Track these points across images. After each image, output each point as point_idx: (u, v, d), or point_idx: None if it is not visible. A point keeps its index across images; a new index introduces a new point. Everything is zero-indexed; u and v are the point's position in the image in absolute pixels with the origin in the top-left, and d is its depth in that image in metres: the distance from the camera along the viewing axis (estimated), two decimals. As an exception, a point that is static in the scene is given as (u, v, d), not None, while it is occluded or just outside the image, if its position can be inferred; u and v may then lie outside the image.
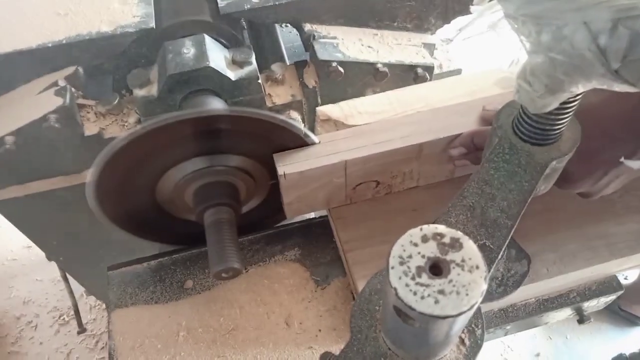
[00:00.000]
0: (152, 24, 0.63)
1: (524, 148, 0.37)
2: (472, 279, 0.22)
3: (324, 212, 0.66)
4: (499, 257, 0.33)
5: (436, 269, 0.23)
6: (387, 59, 0.68)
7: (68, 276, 1.03)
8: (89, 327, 1.66)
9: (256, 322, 0.59)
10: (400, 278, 0.23)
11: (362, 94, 0.70)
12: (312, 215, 0.73)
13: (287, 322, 0.59)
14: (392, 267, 0.23)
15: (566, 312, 0.63)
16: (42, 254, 1.83)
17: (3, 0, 0.66)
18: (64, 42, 0.61)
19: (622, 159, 0.34)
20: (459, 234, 0.24)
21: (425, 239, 0.24)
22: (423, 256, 0.23)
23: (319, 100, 0.69)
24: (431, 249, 0.23)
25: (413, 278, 0.23)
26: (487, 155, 0.37)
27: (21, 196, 0.70)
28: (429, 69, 0.70)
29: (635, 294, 1.63)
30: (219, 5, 0.64)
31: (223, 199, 0.56)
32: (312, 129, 0.63)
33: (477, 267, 0.23)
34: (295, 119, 0.69)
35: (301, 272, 0.63)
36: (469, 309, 0.22)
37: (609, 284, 0.61)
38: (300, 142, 0.55)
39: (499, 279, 0.54)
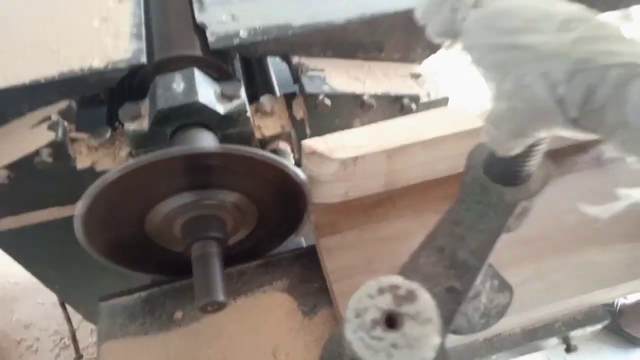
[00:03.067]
0: (144, 59, 0.64)
1: (495, 189, 0.37)
2: (424, 333, 0.23)
3: (312, 242, 0.66)
4: (467, 297, 0.34)
5: (391, 321, 0.23)
6: (374, 90, 0.69)
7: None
8: (89, 350, 1.66)
9: (244, 352, 0.59)
10: (355, 331, 0.23)
11: (349, 125, 0.71)
12: (303, 243, 0.74)
13: (274, 353, 0.59)
14: (349, 321, 0.23)
15: (552, 342, 0.63)
16: (43, 277, 1.84)
17: (2, 36, 0.68)
18: (57, 77, 0.62)
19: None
20: (414, 285, 0.24)
21: (381, 291, 0.24)
22: (379, 309, 0.24)
23: (308, 131, 0.70)
24: (386, 302, 0.24)
25: (368, 331, 0.23)
26: (460, 196, 0.38)
27: (16, 227, 0.71)
28: (415, 99, 0.71)
29: (635, 314, 1.63)
30: (209, 41, 0.66)
31: (210, 233, 0.57)
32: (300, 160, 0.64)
33: (431, 321, 0.23)
34: (284, 150, 0.70)
35: (289, 302, 0.63)
36: (422, 361, 0.23)
37: (594, 314, 0.61)
38: (286, 178, 0.56)
39: (482, 310, 0.54)
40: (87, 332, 1.68)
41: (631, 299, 1.65)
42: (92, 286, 0.88)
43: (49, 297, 1.79)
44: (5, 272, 1.85)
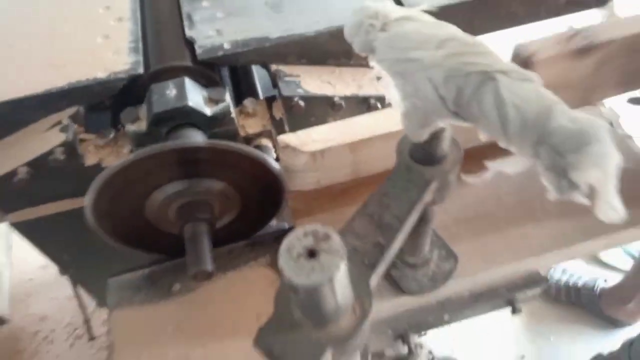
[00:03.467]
0: (141, 70, 0.74)
1: (417, 168, 0.47)
2: (333, 261, 0.33)
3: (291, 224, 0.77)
4: (391, 250, 0.44)
5: (311, 254, 0.34)
6: (343, 92, 0.79)
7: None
8: (102, 339, 1.77)
9: (232, 317, 0.69)
10: (286, 262, 0.33)
11: (324, 122, 0.81)
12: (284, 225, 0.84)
13: (258, 317, 0.69)
14: (281, 255, 0.34)
15: (499, 304, 0.73)
16: (56, 273, 1.96)
17: (10, 52, 0.77)
18: (66, 87, 0.72)
19: (489, 165, 0.44)
20: (329, 230, 0.34)
21: (306, 234, 0.34)
22: (303, 246, 0.34)
23: (287, 130, 0.81)
24: (309, 241, 0.34)
25: (295, 261, 0.33)
26: (390, 174, 0.48)
27: (34, 218, 0.82)
28: (380, 99, 0.81)
29: (615, 297, 1.70)
30: (197, 53, 0.76)
31: (200, 215, 0.67)
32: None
33: (338, 252, 0.33)
34: (266, 146, 0.80)
35: (271, 275, 0.73)
36: (328, 280, 0.33)
37: (532, 278, 0.71)
38: (264, 168, 0.66)
39: (430, 275, 0.65)
40: (98, 323, 1.78)
41: (611, 282, 1.73)
42: (103, 270, 0.99)
43: (62, 292, 1.90)
44: (20, 270, 1.96)
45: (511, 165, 0.37)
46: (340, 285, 0.35)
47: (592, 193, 0.34)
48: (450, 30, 0.38)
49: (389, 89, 0.43)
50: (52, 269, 2.03)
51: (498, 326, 1.70)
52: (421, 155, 0.47)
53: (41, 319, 1.86)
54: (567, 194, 0.35)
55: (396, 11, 0.41)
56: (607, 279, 1.74)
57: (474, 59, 0.36)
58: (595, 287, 1.72)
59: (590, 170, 0.33)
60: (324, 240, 0.34)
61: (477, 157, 0.44)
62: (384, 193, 0.46)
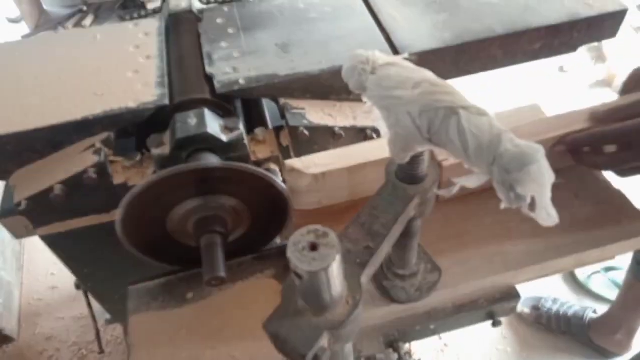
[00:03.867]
0: (167, 101, 0.85)
1: (401, 186, 0.56)
2: (330, 252, 0.42)
3: (294, 241, 0.85)
4: (379, 252, 0.53)
5: (312, 247, 0.43)
6: (343, 123, 0.89)
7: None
8: (105, 359, 1.82)
9: (240, 322, 0.77)
10: (292, 253, 0.42)
11: (325, 149, 0.91)
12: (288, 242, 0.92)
13: (263, 323, 0.77)
14: (289, 248, 0.43)
15: (480, 316, 0.81)
16: (65, 294, 2.04)
17: (55, 84, 0.89)
18: (101, 115, 0.83)
19: (456, 180, 0.53)
20: (327, 229, 0.44)
21: (309, 232, 0.43)
22: (306, 241, 0.43)
23: (292, 155, 0.90)
24: (311, 237, 0.43)
25: (300, 252, 0.42)
26: (378, 191, 0.58)
27: (63, 231, 0.91)
28: (375, 130, 0.91)
29: (604, 327, 1.75)
30: (216, 87, 0.86)
31: (215, 228, 0.76)
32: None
33: (334, 246, 0.42)
34: (274, 170, 0.90)
35: (276, 286, 0.81)
36: (327, 267, 0.42)
37: (509, 293, 0.79)
38: (273, 189, 0.75)
39: (417, 286, 0.73)
40: (103, 343, 1.85)
41: (600, 312, 1.79)
42: (119, 284, 1.07)
43: (69, 313, 1.97)
44: (30, 290, 2.04)
45: (472, 181, 0.46)
46: (335, 274, 0.44)
47: (533, 203, 0.43)
48: (424, 74, 0.48)
49: (378, 120, 0.53)
50: (61, 290, 2.11)
51: (489, 353, 1.75)
52: (405, 175, 0.56)
53: (47, 338, 1.92)
54: (515, 204, 0.44)
55: (383, 58, 0.51)
56: (596, 310, 1.80)
57: (442, 97, 0.46)
58: (585, 316, 1.77)
59: (531, 184, 0.42)
60: (323, 237, 0.43)
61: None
62: (374, 206, 0.56)
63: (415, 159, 0.54)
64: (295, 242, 0.43)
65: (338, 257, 0.42)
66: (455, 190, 0.48)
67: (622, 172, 0.76)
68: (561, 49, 0.96)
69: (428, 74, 0.49)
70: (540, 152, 0.42)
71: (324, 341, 0.49)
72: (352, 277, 0.51)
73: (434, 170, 0.58)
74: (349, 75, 0.52)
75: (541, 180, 0.42)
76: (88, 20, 1.95)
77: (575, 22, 0.92)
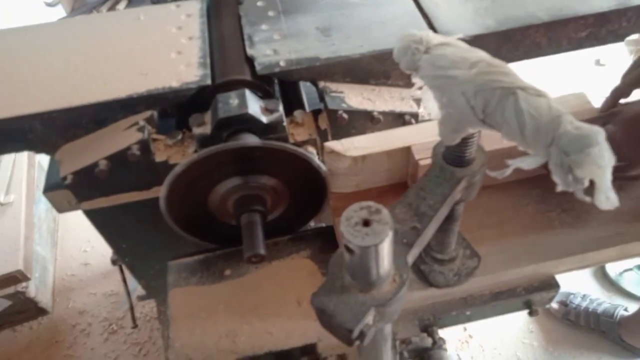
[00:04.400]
0: (209, 82, 0.86)
1: (448, 168, 0.56)
2: (383, 229, 0.42)
3: (331, 223, 0.86)
4: (425, 233, 0.53)
5: (365, 223, 0.43)
6: (382, 108, 0.89)
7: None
8: (134, 336, 1.87)
9: (276, 300, 0.78)
10: (345, 227, 0.43)
11: (362, 134, 0.91)
12: (322, 224, 0.93)
13: (298, 302, 0.78)
14: (342, 222, 0.43)
15: (517, 305, 0.80)
16: (97, 271, 2.09)
17: (102, 63, 0.91)
18: (145, 93, 0.84)
19: (509, 162, 0.53)
20: (380, 206, 0.44)
21: (361, 208, 0.44)
22: (359, 217, 0.43)
23: (330, 139, 0.91)
24: (364, 213, 0.43)
25: (352, 227, 0.43)
26: (426, 172, 0.58)
27: (104, 206, 0.93)
28: (415, 115, 0.91)
29: (634, 325, 1.72)
30: (257, 69, 0.87)
31: (254, 206, 0.77)
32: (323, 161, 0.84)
33: (387, 223, 0.43)
34: (311, 152, 0.90)
35: (311, 266, 0.82)
36: (380, 242, 0.42)
37: (548, 282, 0.78)
38: (312, 169, 0.76)
39: (455, 271, 0.73)
40: (137, 314, 1.88)
41: (631, 309, 1.76)
42: (156, 261, 1.10)
43: (100, 289, 2.03)
44: (63, 265, 2.10)
45: (527, 163, 0.46)
46: (386, 251, 0.44)
47: (592, 186, 0.42)
48: (480, 54, 0.48)
49: (429, 100, 0.53)
50: (93, 267, 2.17)
51: (514, 346, 1.74)
52: (453, 157, 0.56)
53: (80, 312, 1.98)
54: (572, 187, 0.43)
55: (437, 38, 0.51)
56: (627, 307, 1.77)
57: (499, 77, 0.46)
58: (615, 314, 1.74)
59: (590, 167, 0.41)
60: (375, 213, 0.43)
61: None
62: (421, 187, 0.56)
63: (465, 141, 0.53)
64: (348, 217, 0.43)
65: (390, 234, 0.43)
66: (508, 172, 0.48)
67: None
68: (608, 38, 0.94)
69: (484, 54, 0.48)
70: (601, 134, 0.41)
71: (370, 318, 0.49)
72: (399, 256, 0.51)
73: (482, 153, 0.57)
74: (401, 55, 0.51)
75: (602, 162, 0.41)
76: (122, 5, 1.98)
77: (626, 10, 0.89)
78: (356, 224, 0.43)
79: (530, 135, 0.45)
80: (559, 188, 0.45)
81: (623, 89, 0.79)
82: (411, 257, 0.53)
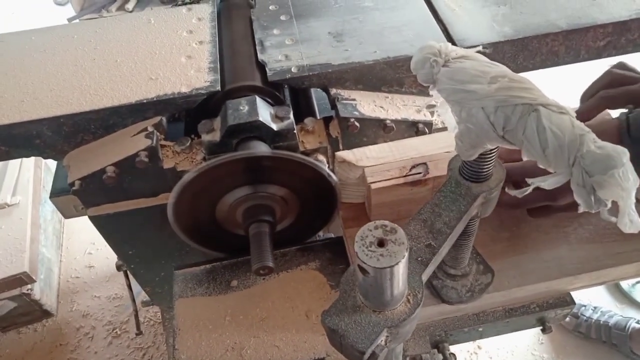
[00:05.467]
0: (218, 87, 0.84)
1: (465, 184, 0.55)
2: (399, 249, 0.41)
3: (340, 234, 0.84)
4: (440, 251, 0.51)
5: (380, 243, 0.41)
6: (394, 116, 0.87)
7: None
8: (137, 340, 1.86)
9: (283, 313, 0.77)
10: (359, 247, 0.41)
11: (374, 143, 0.89)
12: (331, 235, 0.92)
13: (306, 315, 0.76)
14: (356, 242, 0.41)
15: (530, 321, 0.78)
16: (101, 274, 2.08)
17: (111, 67, 0.89)
18: (155, 99, 0.83)
19: (530, 181, 0.50)
20: (395, 225, 0.42)
21: (376, 227, 0.42)
22: (374, 236, 0.42)
23: (341, 147, 0.89)
24: (379, 233, 0.42)
25: (367, 247, 0.41)
26: (441, 187, 0.56)
27: (111, 213, 0.92)
28: (428, 124, 0.89)
29: (647, 337, 1.69)
30: (268, 75, 0.85)
31: (263, 217, 0.76)
32: (334, 170, 0.83)
33: (403, 243, 0.41)
34: (321, 160, 0.89)
35: (320, 278, 0.81)
36: (395, 264, 0.40)
37: (563, 299, 0.76)
38: (322, 179, 0.74)
39: (468, 287, 0.71)
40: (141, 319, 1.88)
41: (642, 323, 1.73)
42: (161, 268, 1.08)
43: (105, 292, 2.02)
44: (68, 267, 2.10)
45: (549, 182, 0.44)
46: (401, 272, 0.42)
47: (615, 208, 0.40)
48: (501, 68, 0.46)
49: (446, 114, 0.51)
50: (97, 270, 2.17)
51: (524, 359, 1.71)
52: (469, 172, 0.54)
53: (84, 315, 1.97)
54: (595, 208, 0.41)
55: (456, 50, 0.49)
56: (639, 320, 1.74)
57: (520, 93, 0.44)
58: (627, 327, 1.72)
59: (614, 189, 0.39)
60: (391, 233, 0.42)
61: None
62: (436, 203, 0.54)
63: (483, 157, 0.51)
64: (362, 237, 0.42)
65: (406, 255, 0.41)
66: (528, 191, 0.46)
67: (531, 212, 0.74)
68: (627, 48, 0.91)
69: (505, 69, 0.46)
70: (626, 156, 0.40)
71: (382, 339, 0.47)
72: (413, 275, 0.49)
73: (500, 169, 0.55)
74: (419, 67, 0.50)
75: (626, 184, 0.39)
76: (131, 4, 1.97)
77: (646, 19, 0.87)
78: (371, 243, 0.41)
79: (552, 153, 0.43)
80: (581, 209, 0.43)
81: (582, 115, 0.69)
82: (425, 275, 0.51)
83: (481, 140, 0.48)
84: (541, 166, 0.45)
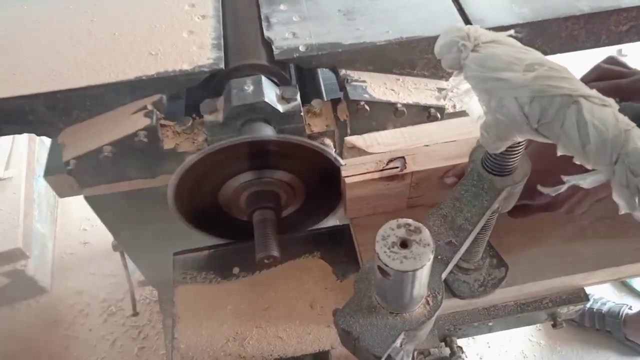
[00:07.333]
0: (222, 65, 0.80)
1: (488, 177, 0.51)
2: (424, 251, 0.37)
3: (346, 221, 0.81)
4: (462, 249, 0.48)
5: (403, 244, 0.38)
6: (406, 100, 0.83)
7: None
8: (133, 319, 1.84)
9: (287, 303, 0.74)
10: (381, 248, 0.38)
11: (384, 128, 0.85)
12: (337, 222, 0.88)
13: (311, 305, 0.74)
14: (378, 242, 0.38)
15: (541, 316, 0.76)
16: (96, 250, 2.05)
17: (109, 41, 0.84)
18: (155, 76, 0.78)
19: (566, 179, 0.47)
20: (420, 224, 0.39)
21: (399, 226, 0.39)
22: (396, 236, 0.38)
23: (349, 131, 0.85)
24: (402, 232, 0.39)
25: (389, 248, 0.38)
26: (462, 180, 0.52)
27: (107, 193, 0.88)
28: (440, 109, 0.85)
29: (639, 324, 1.70)
30: (274, 53, 0.81)
31: (268, 203, 0.72)
32: (341, 154, 0.79)
33: (428, 245, 0.38)
34: (328, 144, 0.85)
35: (325, 267, 0.78)
36: (420, 268, 0.37)
37: (577, 295, 0.74)
38: (330, 164, 0.71)
39: (481, 281, 0.68)
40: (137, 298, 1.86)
41: (635, 308, 1.73)
42: (157, 250, 1.05)
43: (100, 269, 1.99)
44: (62, 244, 2.06)
45: (588, 181, 0.41)
46: (425, 275, 0.39)
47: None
48: (537, 55, 0.42)
49: (472, 102, 0.47)
50: (92, 246, 2.13)
51: (522, 343, 1.71)
52: (493, 165, 0.51)
53: (78, 292, 1.94)
54: (639, 210, 0.38)
55: (487, 34, 0.45)
56: (632, 306, 1.74)
57: (560, 83, 0.40)
58: (620, 313, 1.72)
59: (663, 191, 0.36)
60: (415, 233, 0.38)
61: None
62: (457, 197, 0.51)
63: (510, 150, 0.48)
64: (384, 236, 0.38)
65: (432, 257, 0.38)
66: (563, 189, 0.43)
67: (509, 212, 0.70)
68: (651, 33, 0.88)
69: (541, 55, 0.42)
70: (678, 155, 0.36)
71: (399, 341, 0.45)
72: (433, 275, 0.46)
73: (525, 162, 0.52)
74: (445, 51, 0.46)
75: (676, 187, 0.36)
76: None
77: (673, 3, 0.83)
78: (393, 244, 0.38)
79: (593, 150, 0.39)
80: (622, 211, 0.40)
81: None
82: (445, 274, 0.48)
83: (511, 133, 0.45)
84: (578, 162, 0.42)
